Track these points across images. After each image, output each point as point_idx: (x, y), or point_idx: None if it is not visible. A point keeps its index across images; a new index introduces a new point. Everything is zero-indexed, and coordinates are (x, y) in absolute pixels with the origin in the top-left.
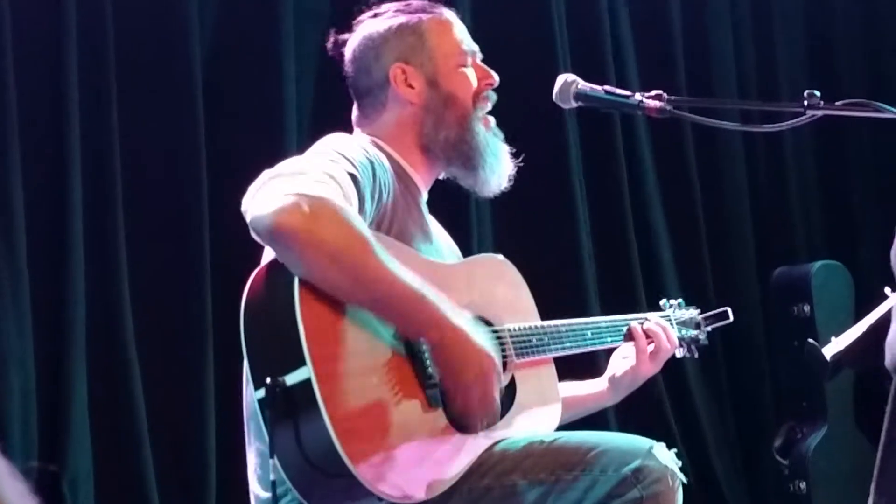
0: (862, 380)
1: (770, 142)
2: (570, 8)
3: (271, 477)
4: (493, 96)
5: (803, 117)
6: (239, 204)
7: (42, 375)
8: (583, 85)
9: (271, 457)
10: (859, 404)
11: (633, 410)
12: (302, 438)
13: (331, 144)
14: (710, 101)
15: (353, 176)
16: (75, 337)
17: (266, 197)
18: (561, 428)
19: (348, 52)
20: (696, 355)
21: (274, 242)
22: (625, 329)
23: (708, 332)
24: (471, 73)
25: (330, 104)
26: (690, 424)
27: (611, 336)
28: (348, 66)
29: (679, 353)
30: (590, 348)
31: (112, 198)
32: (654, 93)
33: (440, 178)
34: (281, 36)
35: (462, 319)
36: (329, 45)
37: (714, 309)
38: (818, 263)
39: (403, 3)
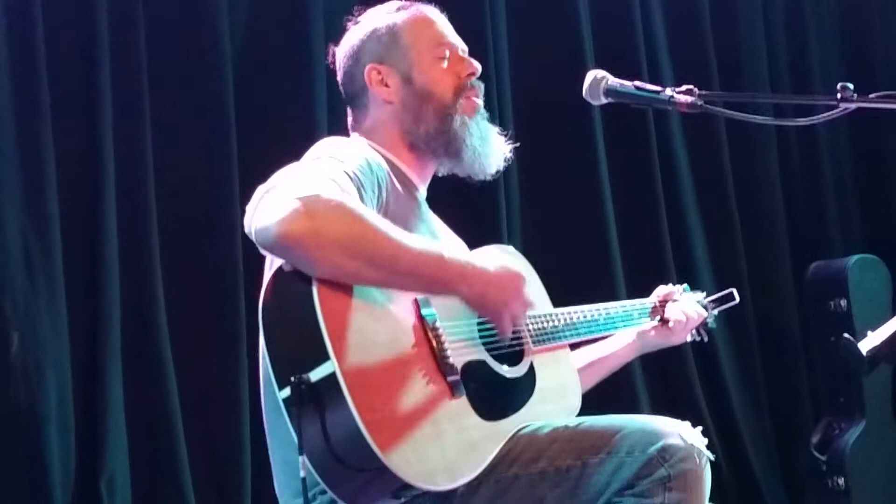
0: None
1: (804, 135)
2: (599, 4)
3: (301, 474)
4: (480, 85)
5: (836, 110)
6: None
7: (78, 378)
8: (613, 81)
9: (301, 454)
10: None
11: (668, 405)
12: (329, 432)
13: (325, 149)
14: (741, 96)
15: (347, 174)
16: (111, 339)
17: (264, 211)
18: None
19: (337, 60)
20: (706, 339)
21: (283, 252)
22: (635, 314)
23: (715, 316)
24: (451, 66)
25: None
26: (727, 421)
27: (623, 322)
28: (338, 75)
29: (689, 338)
30: (603, 334)
31: (145, 200)
32: (684, 88)
33: (440, 175)
34: (311, 36)
35: (479, 260)
36: (329, 58)
37: (750, 307)
38: (854, 257)
39: (383, 4)
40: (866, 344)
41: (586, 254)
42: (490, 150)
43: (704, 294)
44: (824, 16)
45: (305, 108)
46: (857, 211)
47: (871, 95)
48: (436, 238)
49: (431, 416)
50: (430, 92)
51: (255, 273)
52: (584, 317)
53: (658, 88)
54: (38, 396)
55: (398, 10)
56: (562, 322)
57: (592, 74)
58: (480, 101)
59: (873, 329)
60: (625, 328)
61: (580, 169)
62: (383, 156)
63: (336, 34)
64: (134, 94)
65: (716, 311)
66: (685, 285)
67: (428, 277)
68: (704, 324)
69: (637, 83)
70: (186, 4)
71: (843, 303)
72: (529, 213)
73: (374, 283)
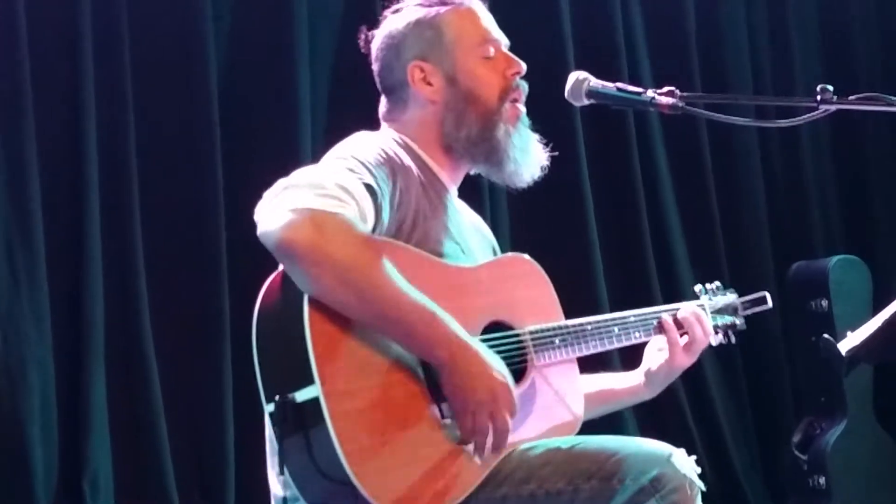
0: (881, 374)
1: (786, 137)
2: (581, 5)
3: (283, 493)
4: (524, 85)
5: (816, 112)
6: (254, 204)
7: (61, 376)
8: (594, 82)
9: (281, 473)
10: (878, 398)
11: (651, 407)
12: (313, 453)
13: (350, 149)
14: (722, 97)
15: (369, 186)
16: (94, 338)
17: (276, 210)
18: (591, 423)
19: (373, 49)
20: (734, 341)
21: (282, 257)
22: (654, 322)
23: (745, 318)
24: (495, 64)
25: (344, 104)
26: (708, 421)
27: (640, 331)
28: (373, 64)
29: (715, 341)
30: (616, 345)
31: (129, 199)
32: (666, 89)
33: (470, 173)
34: (295, 36)
35: (473, 342)
36: (361, 41)
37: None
38: (835, 258)
39: None
40: (845, 344)
41: (565, 252)
42: (530, 160)
43: (737, 295)
44: (806, 19)
45: (289, 105)
46: (838, 212)
47: (850, 98)
48: (458, 244)
49: (417, 443)
50: (476, 95)
51: (238, 271)
52: (597, 327)
53: (640, 90)
54: (20, 395)
55: (441, 2)
56: (571, 334)
57: (574, 76)
58: (523, 108)
59: (854, 329)
60: (642, 338)
61: (561, 169)
62: (416, 155)
63: (320, 31)
64: (117, 92)
65: (746, 313)
66: (717, 284)
67: (409, 331)
68: (734, 326)
69: (619, 84)
70: (171, 7)
71: (825, 303)
72: (511, 214)
73: (356, 316)
